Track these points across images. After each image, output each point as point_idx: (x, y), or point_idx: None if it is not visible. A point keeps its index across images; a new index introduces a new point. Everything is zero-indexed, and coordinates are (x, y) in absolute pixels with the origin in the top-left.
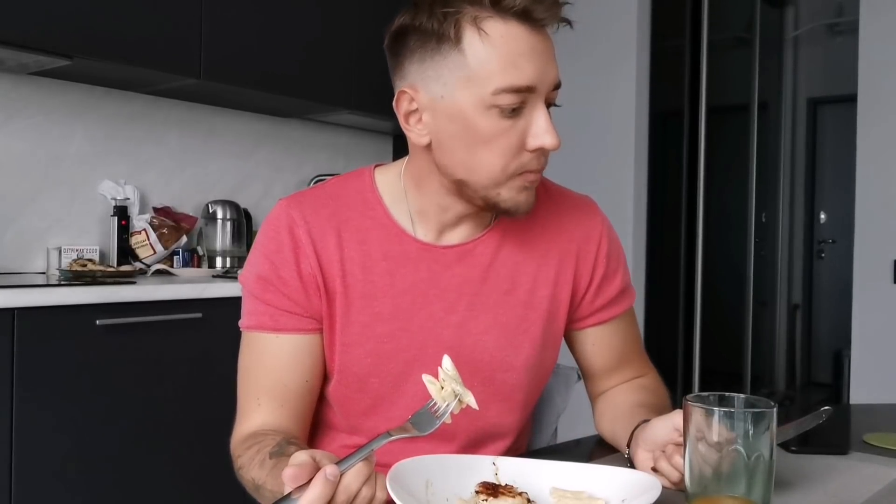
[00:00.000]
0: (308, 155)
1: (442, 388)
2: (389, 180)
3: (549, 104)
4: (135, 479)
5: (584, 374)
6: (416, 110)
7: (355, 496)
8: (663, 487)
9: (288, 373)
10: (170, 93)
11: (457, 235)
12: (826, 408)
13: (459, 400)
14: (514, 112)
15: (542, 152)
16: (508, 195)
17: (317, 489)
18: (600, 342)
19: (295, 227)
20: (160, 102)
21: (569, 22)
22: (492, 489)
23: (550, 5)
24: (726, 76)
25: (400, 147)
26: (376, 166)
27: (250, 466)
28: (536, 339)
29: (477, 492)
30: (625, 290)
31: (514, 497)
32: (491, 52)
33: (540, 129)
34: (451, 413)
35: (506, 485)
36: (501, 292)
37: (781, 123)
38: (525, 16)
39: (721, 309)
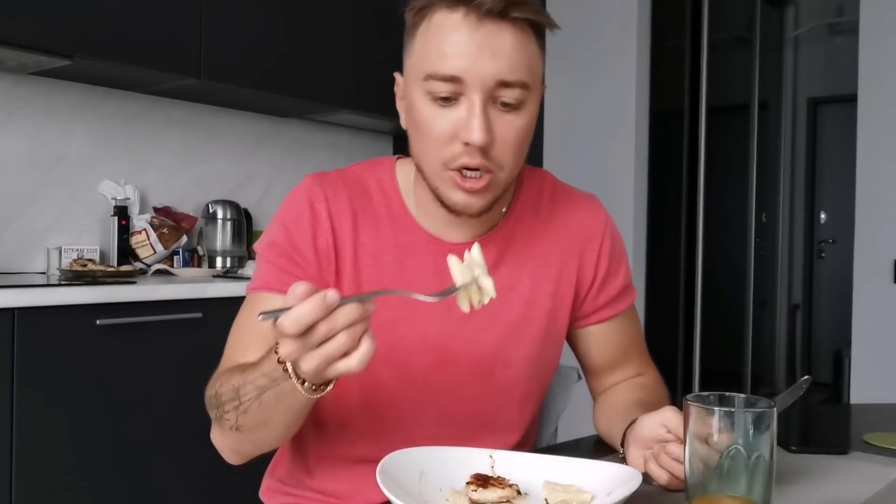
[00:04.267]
0: (308, 155)
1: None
2: (407, 172)
3: (497, 101)
4: (135, 479)
5: (586, 371)
6: (402, 97)
7: (337, 332)
8: (663, 488)
9: None
10: (170, 93)
11: (463, 233)
12: (805, 377)
13: (478, 287)
14: (447, 101)
15: (473, 149)
16: (445, 192)
17: (310, 305)
18: (602, 340)
19: (316, 202)
20: (160, 102)
21: (537, 22)
22: (482, 480)
23: None
24: (726, 76)
25: (400, 147)
26: (399, 158)
27: (229, 380)
28: (537, 336)
29: (468, 483)
30: (627, 287)
31: (503, 488)
32: (428, 39)
33: (466, 123)
34: (471, 304)
35: (497, 477)
36: (504, 289)
37: (781, 123)
38: (470, 2)
39: (721, 309)
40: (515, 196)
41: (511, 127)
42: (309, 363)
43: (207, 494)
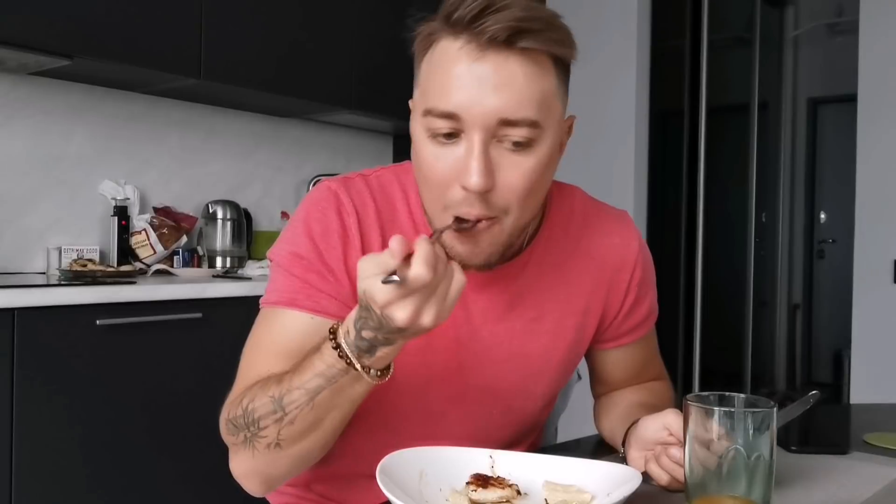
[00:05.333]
0: (308, 155)
1: None
2: None
3: (504, 140)
4: (135, 479)
5: (596, 381)
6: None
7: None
8: (663, 488)
9: None
10: (170, 93)
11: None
12: (813, 392)
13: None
14: (448, 138)
15: (472, 196)
16: (447, 241)
17: (424, 245)
18: (620, 361)
19: (345, 215)
20: (160, 102)
21: (552, 53)
22: (482, 480)
23: (504, 18)
24: (726, 76)
25: (400, 147)
26: None
27: (264, 392)
28: (557, 368)
29: (468, 483)
30: (651, 312)
31: (503, 488)
32: (430, 71)
33: (464, 165)
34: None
35: (497, 477)
36: (528, 320)
37: (781, 123)
38: (472, 30)
39: (721, 309)
40: (543, 218)
41: (517, 170)
42: (431, 310)
43: (208, 494)
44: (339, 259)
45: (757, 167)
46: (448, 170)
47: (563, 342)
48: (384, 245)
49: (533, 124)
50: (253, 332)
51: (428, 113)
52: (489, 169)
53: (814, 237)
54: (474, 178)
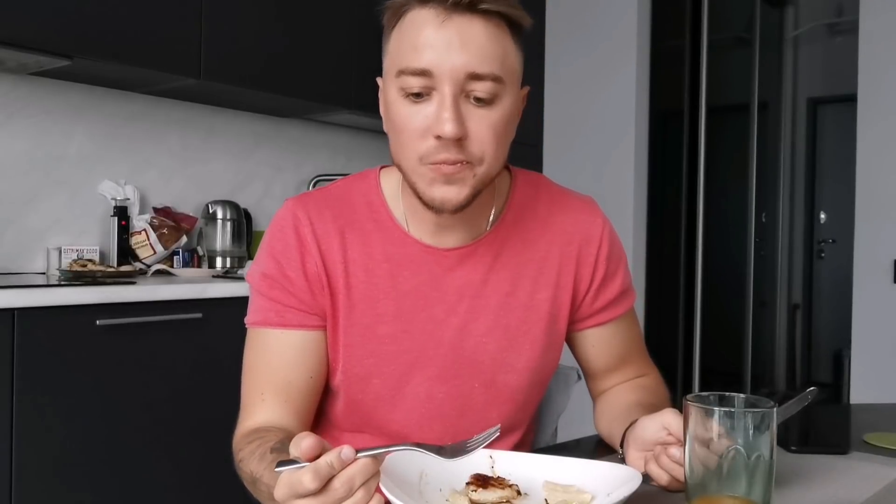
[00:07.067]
0: (308, 155)
1: None
2: (393, 181)
3: (470, 95)
4: (134, 479)
5: (585, 374)
6: (383, 100)
7: (356, 489)
8: (663, 488)
9: (293, 369)
10: (170, 93)
11: (456, 238)
12: (811, 388)
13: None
14: (420, 97)
15: (446, 142)
16: (423, 187)
17: (328, 458)
18: (600, 343)
19: (300, 227)
20: (160, 102)
21: (510, 17)
22: (482, 481)
23: None
24: (726, 76)
25: None
26: (382, 168)
27: (250, 459)
28: (538, 341)
29: (468, 483)
30: (625, 291)
31: (503, 489)
32: (400, 37)
33: (437, 116)
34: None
35: (497, 477)
36: (502, 294)
37: (781, 123)
38: None
39: (721, 309)
40: (509, 198)
41: (484, 121)
42: None
43: (207, 494)
44: (298, 269)
45: (757, 167)
46: (422, 124)
47: (539, 315)
48: (343, 246)
49: (496, 79)
50: (244, 355)
51: (402, 73)
52: (460, 118)
53: (814, 237)
54: (448, 126)
